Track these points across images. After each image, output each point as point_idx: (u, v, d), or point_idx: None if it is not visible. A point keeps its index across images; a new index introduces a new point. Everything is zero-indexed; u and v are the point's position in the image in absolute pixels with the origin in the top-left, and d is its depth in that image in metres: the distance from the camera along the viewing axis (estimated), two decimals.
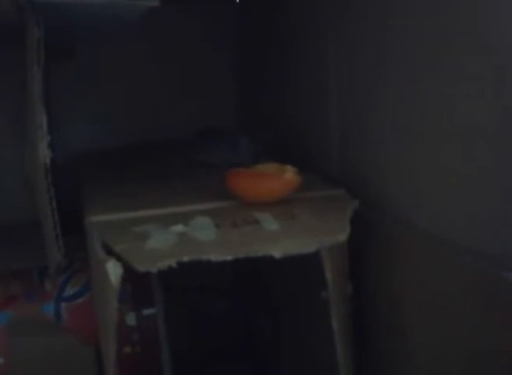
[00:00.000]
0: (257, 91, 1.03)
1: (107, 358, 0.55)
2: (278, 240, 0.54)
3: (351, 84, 0.68)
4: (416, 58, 0.55)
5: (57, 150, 0.87)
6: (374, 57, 0.63)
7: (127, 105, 1.05)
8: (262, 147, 0.78)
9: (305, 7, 0.78)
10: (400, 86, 0.59)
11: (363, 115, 0.66)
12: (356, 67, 0.67)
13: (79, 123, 1.04)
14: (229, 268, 0.95)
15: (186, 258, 0.50)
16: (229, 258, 0.51)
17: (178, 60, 1.06)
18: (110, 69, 1.03)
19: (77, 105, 1.03)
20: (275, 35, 0.90)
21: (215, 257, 0.50)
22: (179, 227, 0.56)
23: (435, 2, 0.52)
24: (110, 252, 0.52)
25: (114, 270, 0.50)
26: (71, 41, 0.94)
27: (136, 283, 0.74)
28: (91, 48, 1.00)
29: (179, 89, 1.07)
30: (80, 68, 1.00)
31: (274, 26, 0.91)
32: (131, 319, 0.74)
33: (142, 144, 1.01)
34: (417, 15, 0.55)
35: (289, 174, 0.64)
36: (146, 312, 0.75)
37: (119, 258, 0.50)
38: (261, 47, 0.99)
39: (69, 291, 0.76)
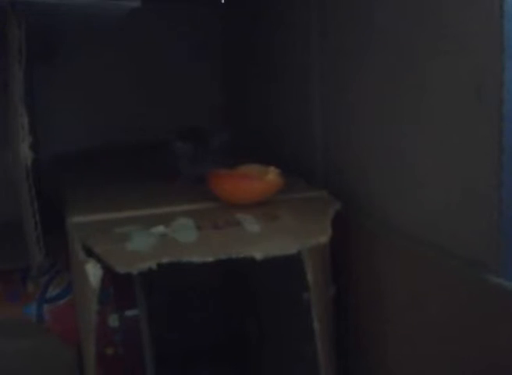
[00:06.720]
0: (242, 91, 1.03)
1: (87, 359, 0.55)
2: (259, 241, 0.54)
3: (334, 86, 0.69)
4: (396, 62, 0.56)
5: (41, 151, 0.87)
6: (355, 63, 0.63)
7: (109, 107, 1.04)
8: (206, 151, 0.75)
9: (290, 12, 0.79)
10: (380, 89, 0.59)
11: (345, 117, 0.67)
12: (338, 72, 0.67)
13: (62, 125, 1.03)
14: (214, 269, 0.94)
15: (166, 260, 0.49)
16: (209, 259, 0.51)
17: (161, 62, 1.06)
18: (93, 70, 1.02)
19: (60, 106, 1.02)
20: (260, 37, 0.90)
21: (195, 258, 0.50)
22: (160, 229, 0.56)
23: (411, 12, 0.53)
24: (91, 254, 0.52)
25: (93, 272, 0.49)
26: (53, 41, 0.93)
27: (118, 285, 0.74)
28: (74, 50, 0.99)
29: (162, 91, 1.06)
30: (62, 70, 1.00)
31: (258, 28, 0.91)
32: (114, 321, 0.74)
33: (123, 146, 1.01)
34: (397, 20, 0.55)
35: (272, 176, 0.64)
36: (129, 313, 0.75)
37: (99, 260, 0.50)
38: (246, 45, 0.99)
39: (52, 292, 0.75)
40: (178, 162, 0.75)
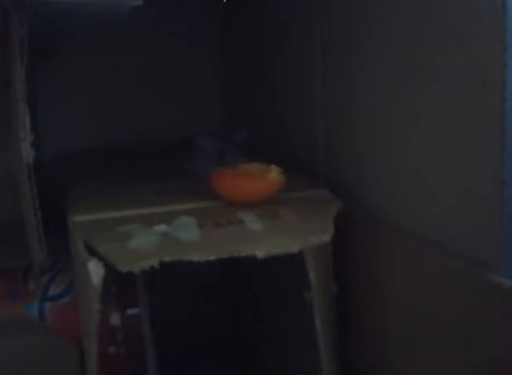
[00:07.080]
0: (243, 91, 1.03)
1: (89, 358, 0.55)
2: (261, 240, 0.54)
3: (336, 86, 0.69)
4: (397, 62, 0.56)
5: (42, 151, 0.87)
6: (357, 63, 0.63)
7: (112, 107, 1.04)
8: (229, 145, 0.76)
9: (293, 11, 0.79)
10: (381, 89, 0.59)
11: (347, 116, 0.67)
12: (340, 72, 0.67)
13: (65, 124, 1.03)
14: (216, 267, 0.95)
15: (168, 259, 0.49)
16: (211, 258, 0.51)
17: (161, 61, 1.06)
18: (93, 69, 1.02)
19: (63, 105, 1.02)
20: (263, 35, 0.90)
21: (197, 257, 0.50)
22: (162, 227, 0.56)
23: (413, 11, 0.53)
24: (93, 252, 0.52)
25: (95, 270, 0.50)
26: (54, 39, 0.93)
27: (120, 283, 0.74)
28: (76, 49, 0.99)
29: (163, 91, 1.06)
30: (65, 68, 1.00)
31: (261, 27, 0.91)
32: (115, 319, 0.74)
33: (124, 146, 1.01)
34: (399, 20, 0.55)
35: (274, 174, 0.64)
36: (130, 311, 0.75)
37: (101, 259, 0.50)
38: (247, 45, 0.99)
39: (53, 290, 0.75)
40: (197, 159, 0.75)
